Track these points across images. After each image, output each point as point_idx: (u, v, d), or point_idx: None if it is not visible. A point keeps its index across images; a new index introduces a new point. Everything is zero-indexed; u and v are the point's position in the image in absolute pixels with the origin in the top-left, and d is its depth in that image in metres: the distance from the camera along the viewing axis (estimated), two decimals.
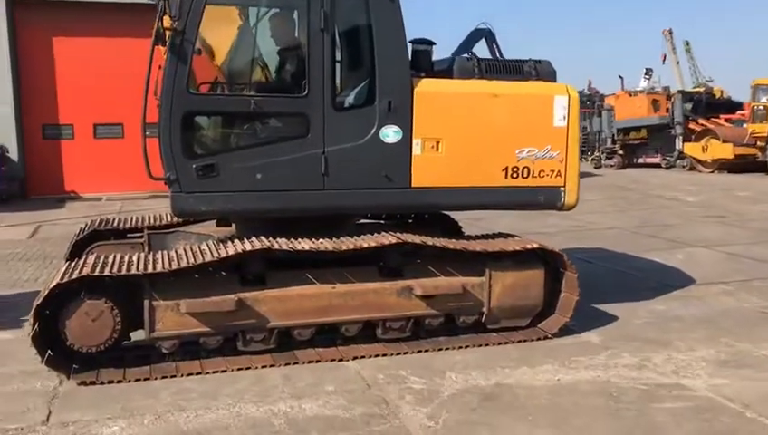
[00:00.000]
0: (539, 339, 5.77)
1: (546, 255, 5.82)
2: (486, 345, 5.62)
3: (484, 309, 5.65)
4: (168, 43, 4.85)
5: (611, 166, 28.15)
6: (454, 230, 6.96)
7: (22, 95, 17.02)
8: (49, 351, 4.74)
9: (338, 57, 5.46)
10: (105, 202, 16.26)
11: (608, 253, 9.56)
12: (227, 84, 5.82)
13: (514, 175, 5.74)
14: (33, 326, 4.61)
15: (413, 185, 5.50)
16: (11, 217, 13.56)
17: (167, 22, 4.78)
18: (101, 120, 17.39)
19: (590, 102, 33.04)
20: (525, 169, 5.75)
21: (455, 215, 7.06)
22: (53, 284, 4.68)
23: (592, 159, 29.27)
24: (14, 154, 16.63)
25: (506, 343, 5.69)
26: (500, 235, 6.14)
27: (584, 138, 28.68)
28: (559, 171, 5.83)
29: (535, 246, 5.71)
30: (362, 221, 6.40)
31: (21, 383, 4.81)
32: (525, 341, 5.73)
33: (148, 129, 4.98)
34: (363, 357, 5.31)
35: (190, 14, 4.82)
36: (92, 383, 4.76)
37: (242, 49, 5.78)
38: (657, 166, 26.91)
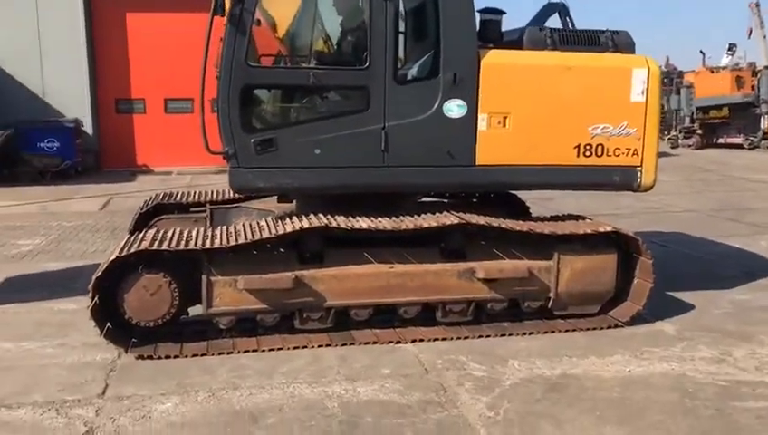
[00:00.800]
0: (609, 327, 5.47)
1: (620, 239, 5.48)
2: (552, 332, 5.36)
3: (551, 294, 5.37)
4: (227, 14, 4.73)
5: (689, 146, 26.93)
6: (521, 211, 6.67)
7: (97, 70, 17.44)
8: (108, 324, 4.75)
9: (401, 28, 5.22)
10: (175, 176, 16.54)
11: (685, 237, 9.05)
12: (287, 57, 5.67)
13: (587, 153, 5.40)
14: (93, 299, 4.62)
15: (477, 162, 5.25)
16: (85, 189, 13.95)
17: None
18: (172, 95, 17.66)
19: (668, 79, 31.57)
20: (599, 147, 5.41)
21: (522, 195, 6.75)
22: (112, 257, 4.68)
23: (669, 139, 28.06)
24: (88, 128, 17.08)
25: (574, 330, 5.41)
26: (570, 216, 5.83)
27: (661, 116, 27.53)
28: (635, 150, 5.46)
29: (608, 229, 5.38)
30: (424, 199, 6.18)
31: (82, 355, 4.85)
32: (594, 329, 5.44)
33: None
34: (422, 340, 5.13)
35: None
36: (150, 358, 4.75)
37: (303, 20, 5.60)
38: (739, 146, 25.54)
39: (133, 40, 17.45)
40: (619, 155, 5.44)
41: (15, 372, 4.57)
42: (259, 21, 4.93)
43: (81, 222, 10.23)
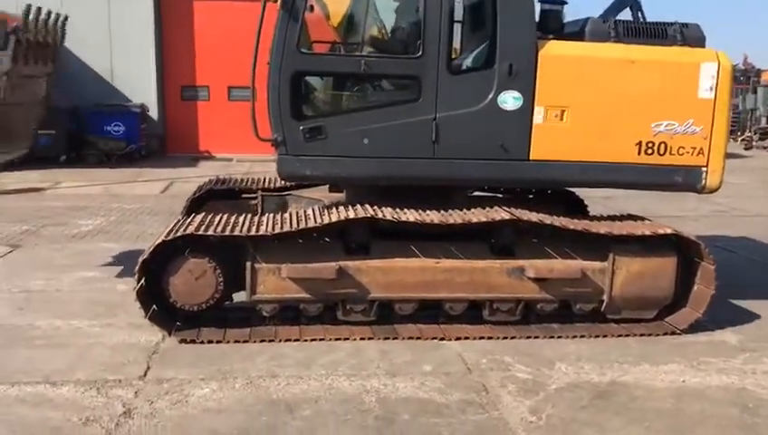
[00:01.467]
0: (665, 334, 5.21)
1: (680, 242, 5.21)
2: (604, 336, 5.14)
3: (605, 297, 5.15)
4: (279, 1, 4.69)
5: (765, 147, 25.73)
6: (577, 209, 6.44)
7: (163, 57, 17.83)
8: (154, 306, 4.79)
9: (457, 17, 5.08)
10: (235, 163, 16.77)
11: (753, 243, 8.59)
12: (339, 44, 5.60)
13: (649, 151, 5.15)
14: (139, 281, 4.67)
15: (532, 157, 5.07)
16: (149, 172, 14.29)
17: None
18: (235, 83, 17.90)
19: (745, 78, 30.29)
20: (662, 145, 5.14)
21: (581, 192, 6.51)
22: (159, 240, 4.71)
23: (742, 140, 26.87)
24: (154, 113, 17.47)
25: (627, 335, 5.18)
26: (629, 217, 5.59)
27: (735, 116, 26.36)
28: (701, 149, 5.17)
29: (668, 231, 5.12)
30: (477, 193, 6.02)
31: (127, 336, 4.91)
32: (649, 335, 5.19)
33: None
34: (467, 338, 5.00)
35: None
36: (192, 342, 4.78)
37: (356, 7, 5.53)
38: None
39: (199, 28, 17.75)
40: (683, 154, 5.16)
41: (63, 349, 4.65)
42: (312, 7, 4.87)
43: (141, 205, 10.45)
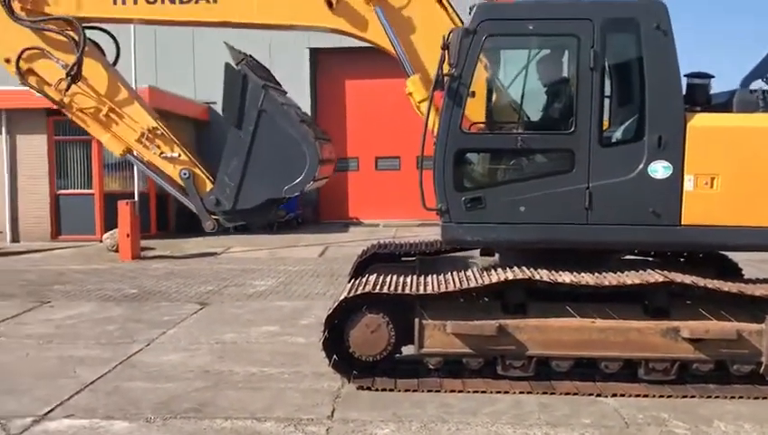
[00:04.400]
0: None
1: None
2: (764, 398, 5.18)
3: (763, 359, 5.21)
4: (445, 88, 5.36)
5: None
6: (731, 271, 6.49)
7: None
8: (335, 355, 5.45)
9: (606, 92, 5.52)
10: (382, 228, 17.75)
11: None
12: (497, 123, 6.18)
13: None
14: (324, 333, 5.36)
15: (683, 222, 5.32)
16: (306, 238, 15.49)
17: (446, 68, 5.29)
18: (382, 154, 19.12)
19: None
20: None
21: (736, 256, 6.58)
22: (342, 298, 5.40)
23: None
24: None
25: None
26: None
27: None
28: None
29: None
30: (629, 257, 6.29)
31: (312, 382, 5.60)
32: None
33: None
34: (623, 395, 5.22)
35: (467, 61, 5.28)
36: (368, 389, 5.36)
37: (511, 89, 6.12)
38: None
39: (350, 104, 19.23)
40: None
41: (260, 392, 5.40)
42: (474, 93, 5.50)
43: (303, 267, 11.46)
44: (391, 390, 5.35)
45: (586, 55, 5.22)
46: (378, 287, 5.43)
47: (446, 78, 5.32)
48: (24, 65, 6.14)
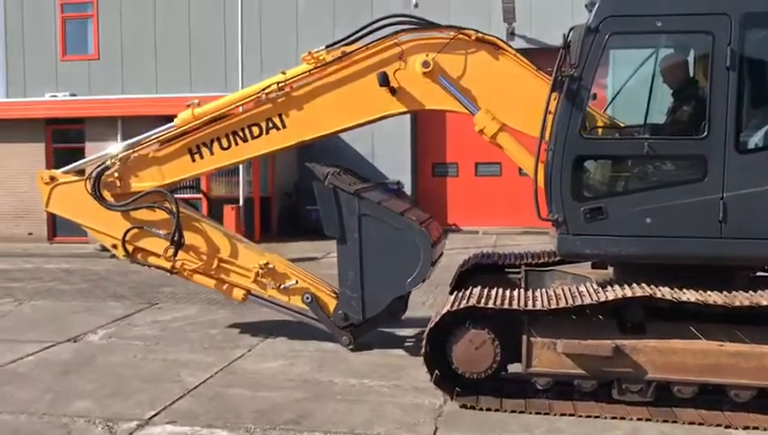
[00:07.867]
0: None
1: None
2: None
3: None
4: (564, 89, 5.03)
5: None
6: None
7: (417, 137, 19.25)
8: (437, 371, 5.22)
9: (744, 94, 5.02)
10: (481, 235, 17.35)
11: None
12: (620, 127, 5.78)
13: None
14: (425, 347, 5.14)
15: None
16: None
17: (565, 69, 4.97)
18: (482, 160, 18.72)
19: None
20: None
21: None
22: (444, 311, 5.16)
23: None
24: (408, 188, 18.80)
25: None
26: None
27: None
28: None
29: None
30: (761, 274, 5.71)
31: (413, 398, 5.39)
32: None
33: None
34: (755, 428, 4.73)
35: (588, 61, 4.94)
36: (472, 408, 5.10)
37: (635, 91, 5.70)
38: None
39: None
40: None
41: (359, 404, 5.25)
42: (595, 95, 5.14)
43: None
44: (497, 410, 5.07)
45: (721, 54, 4.76)
46: (483, 301, 5.16)
47: (565, 79, 4.99)
48: (129, 246, 6.64)
